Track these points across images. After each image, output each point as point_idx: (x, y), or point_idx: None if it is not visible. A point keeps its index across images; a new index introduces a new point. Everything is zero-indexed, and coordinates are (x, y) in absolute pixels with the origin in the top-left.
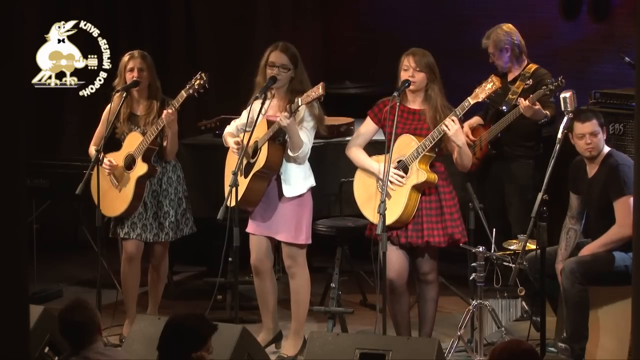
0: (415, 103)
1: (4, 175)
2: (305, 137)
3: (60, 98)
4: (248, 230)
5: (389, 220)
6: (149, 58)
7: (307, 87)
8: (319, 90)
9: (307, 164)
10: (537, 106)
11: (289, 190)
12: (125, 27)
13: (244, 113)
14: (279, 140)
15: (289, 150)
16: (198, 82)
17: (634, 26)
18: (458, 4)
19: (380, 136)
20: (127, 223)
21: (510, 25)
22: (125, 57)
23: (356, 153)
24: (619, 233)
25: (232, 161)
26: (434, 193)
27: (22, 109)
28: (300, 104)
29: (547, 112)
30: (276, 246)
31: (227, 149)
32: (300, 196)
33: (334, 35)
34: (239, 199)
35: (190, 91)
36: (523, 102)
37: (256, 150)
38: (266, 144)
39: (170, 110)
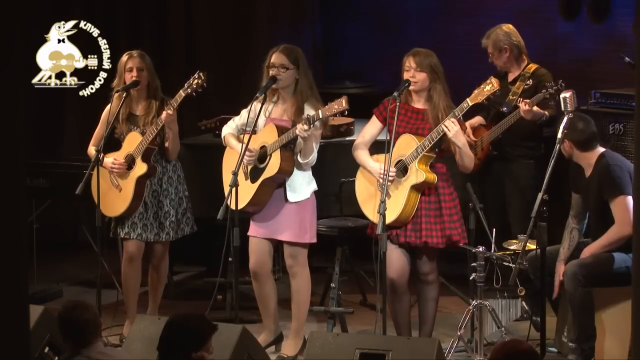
0: (419, 103)
1: (4, 175)
2: (315, 144)
3: (60, 98)
4: (250, 233)
5: (388, 220)
6: (148, 58)
7: (315, 90)
8: (342, 104)
9: (309, 170)
10: (536, 108)
11: (293, 197)
12: (125, 27)
13: (244, 112)
14: (290, 147)
15: (299, 157)
16: (196, 81)
17: (634, 26)
18: (458, 4)
19: (382, 136)
20: (127, 223)
21: (510, 25)
22: (124, 57)
23: (360, 152)
24: (619, 233)
25: (229, 160)
26: (434, 194)
27: (22, 109)
28: (321, 116)
29: (546, 112)
30: (276, 247)
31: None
32: (304, 199)
33: (334, 35)
34: (245, 203)
35: (189, 90)
36: (523, 107)
37: (264, 156)
38: (278, 151)
39: (169, 111)
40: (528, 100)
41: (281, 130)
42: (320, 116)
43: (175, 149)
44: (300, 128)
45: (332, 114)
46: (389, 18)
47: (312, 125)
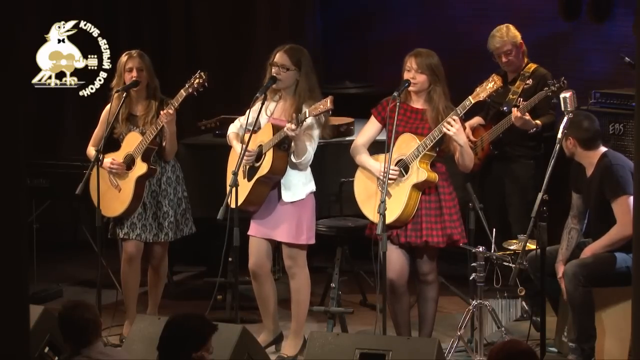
0: (418, 103)
1: (4, 175)
2: (309, 144)
3: (60, 98)
4: (249, 232)
5: (389, 219)
6: (147, 58)
7: (316, 92)
8: (327, 104)
9: (308, 170)
10: (527, 117)
11: (288, 196)
12: (125, 27)
13: (248, 111)
14: (284, 146)
15: (292, 157)
16: (197, 81)
17: (634, 26)
18: (458, 4)
19: (382, 135)
20: (126, 223)
21: (510, 26)
22: (124, 57)
23: (359, 153)
24: (620, 233)
25: (234, 160)
26: (434, 193)
27: (22, 109)
28: (307, 115)
29: (538, 122)
30: (276, 247)
31: (228, 149)
32: (300, 199)
33: (334, 35)
34: (241, 201)
35: (190, 90)
36: (514, 112)
37: (260, 155)
38: (271, 150)
39: (170, 111)
40: (524, 103)
41: (276, 129)
42: (307, 115)
43: (172, 150)
44: (288, 127)
45: (318, 113)
46: (390, 17)
47: (299, 125)
